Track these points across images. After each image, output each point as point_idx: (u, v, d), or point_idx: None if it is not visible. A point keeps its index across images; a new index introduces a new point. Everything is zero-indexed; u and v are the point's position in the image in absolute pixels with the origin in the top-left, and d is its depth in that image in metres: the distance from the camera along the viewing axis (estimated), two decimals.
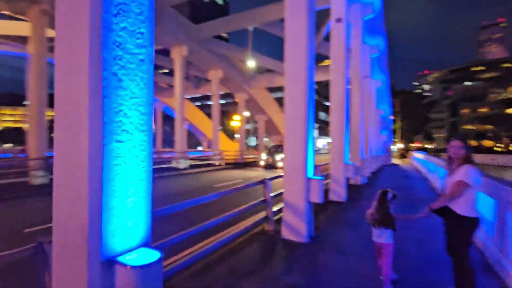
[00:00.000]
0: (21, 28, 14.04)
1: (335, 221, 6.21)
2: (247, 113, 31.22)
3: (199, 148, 37.55)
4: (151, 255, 1.62)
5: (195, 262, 3.74)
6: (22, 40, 14.37)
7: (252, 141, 56.87)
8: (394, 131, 49.42)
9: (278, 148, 19.81)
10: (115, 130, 1.56)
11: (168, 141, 36.30)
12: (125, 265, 1.50)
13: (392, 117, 30.56)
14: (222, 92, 36.50)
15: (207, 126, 30.41)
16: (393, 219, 3.05)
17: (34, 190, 9.47)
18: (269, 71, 23.18)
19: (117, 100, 1.56)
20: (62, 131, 1.56)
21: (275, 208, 5.46)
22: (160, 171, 15.27)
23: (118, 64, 1.57)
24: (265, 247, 4.52)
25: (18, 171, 10.36)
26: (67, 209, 1.55)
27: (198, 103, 56.50)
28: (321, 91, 71.21)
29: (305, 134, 4.76)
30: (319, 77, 21.23)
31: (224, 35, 79.45)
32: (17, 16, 11.51)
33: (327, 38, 13.67)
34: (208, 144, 32.65)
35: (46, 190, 9.53)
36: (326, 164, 9.33)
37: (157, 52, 19.88)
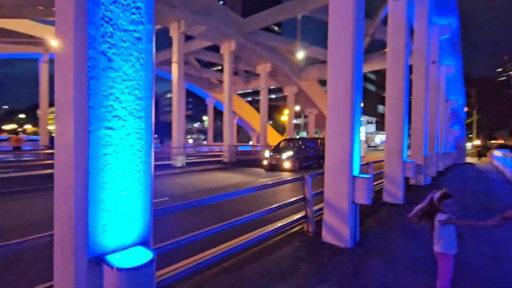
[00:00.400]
0: None
1: (388, 226, 5.46)
2: (298, 108, 30.48)
3: (251, 143, 38.11)
4: (144, 256, 1.44)
5: (225, 259, 3.59)
6: None
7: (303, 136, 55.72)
8: (469, 126, 42.96)
9: (290, 143, 15.71)
10: (105, 116, 1.41)
11: (221, 135, 37.68)
12: (111, 266, 1.34)
13: (466, 109, 26.39)
14: (272, 87, 36.15)
15: (257, 120, 30.58)
16: (422, 216, 2.58)
17: None
18: (320, 62, 22.09)
19: (107, 83, 1.41)
20: (56, 116, 1.47)
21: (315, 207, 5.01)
22: (208, 164, 15.84)
23: (107, 42, 1.41)
24: (302, 250, 4.15)
25: None
26: (60, 200, 1.47)
27: (250, 98, 57.44)
28: (380, 81, 65.98)
29: (351, 126, 4.20)
30: (377, 65, 19.45)
31: (276, 28, 78.83)
32: None
33: (385, 22, 12.30)
34: (257, 139, 32.87)
35: None
36: (380, 161, 8.39)
37: (208, 48, 20.53)
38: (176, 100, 14.28)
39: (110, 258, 1.39)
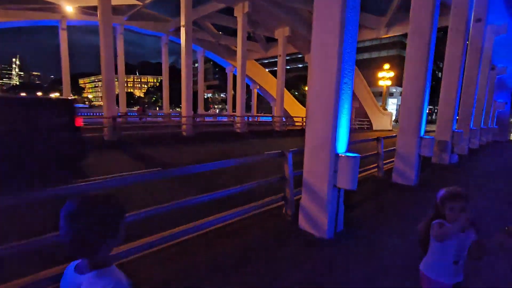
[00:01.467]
0: None
1: (387, 212, 4.67)
2: None
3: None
4: None
5: (170, 245, 3.13)
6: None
7: None
8: None
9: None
10: None
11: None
12: None
13: None
14: (300, 55, 33.92)
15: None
16: (426, 236, 1.68)
17: (101, 144, 10.47)
18: None
19: None
20: None
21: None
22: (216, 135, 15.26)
23: None
24: (270, 237, 3.58)
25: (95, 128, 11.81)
26: None
27: (276, 68, 55.13)
28: None
29: (335, 94, 3.34)
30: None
31: None
32: None
33: None
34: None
35: (107, 144, 10.51)
36: (394, 136, 7.33)
37: (224, 12, 19.22)
38: (185, 67, 13.67)
39: None
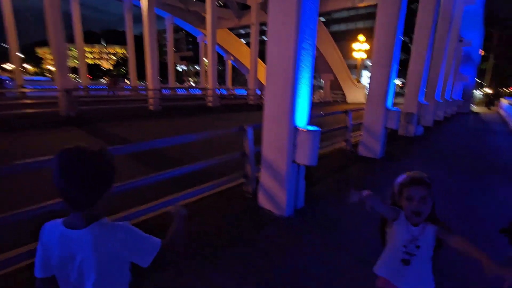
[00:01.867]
0: None
1: (351, 186, 4.61)
2: None
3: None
4: None
5: None
6: None
7: None
8: (483, 72, 39.75)
9: None
10: None
11: (219, 77, 35.34)
12: None
13: (482, 52, 23.52)
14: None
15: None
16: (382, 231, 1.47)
17: (55, 120, 9.55)
18: None
19: None
20: None
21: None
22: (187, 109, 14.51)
23: None
24: (228, 216, 3.37)
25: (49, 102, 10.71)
26: None
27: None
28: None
29: (293, 61, 3.01)
30: None
31: None
32: None
33: None
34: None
35: (62, 120, 9.60)
36: (362, 109, 7.23)
37: None
38: (148, 33, 12.52)
39: None
